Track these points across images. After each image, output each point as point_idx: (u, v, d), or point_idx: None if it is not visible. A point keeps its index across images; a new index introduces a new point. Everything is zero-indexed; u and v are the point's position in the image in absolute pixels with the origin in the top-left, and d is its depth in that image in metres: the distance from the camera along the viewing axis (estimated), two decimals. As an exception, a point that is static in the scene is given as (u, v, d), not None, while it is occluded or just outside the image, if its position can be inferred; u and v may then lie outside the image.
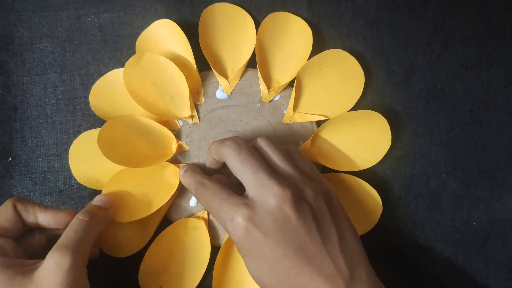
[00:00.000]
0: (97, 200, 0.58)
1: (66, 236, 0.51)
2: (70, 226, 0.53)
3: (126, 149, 0.60)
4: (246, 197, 0.51)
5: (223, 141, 0.54)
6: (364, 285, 0.49)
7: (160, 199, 0.60)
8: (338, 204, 0.53)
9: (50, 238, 0.56)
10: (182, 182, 0.59)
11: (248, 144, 0.53)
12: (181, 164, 0.63)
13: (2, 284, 0.47)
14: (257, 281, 0.51)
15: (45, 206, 0.55)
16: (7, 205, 0.53)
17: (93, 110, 0.63)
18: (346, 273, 0.48)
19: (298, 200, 0.49)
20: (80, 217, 0.54)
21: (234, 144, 0.53)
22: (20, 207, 0.54)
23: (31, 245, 0.55)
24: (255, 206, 0.49)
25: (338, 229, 0.50)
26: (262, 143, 0.55)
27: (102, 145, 0.58)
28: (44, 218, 0.54)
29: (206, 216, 0.62)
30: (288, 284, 0.48)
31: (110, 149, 0.59)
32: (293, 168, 0.53)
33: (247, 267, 0.51)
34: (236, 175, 0.53)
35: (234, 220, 0.49)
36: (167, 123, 0.62)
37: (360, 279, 0.49)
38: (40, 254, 0.53)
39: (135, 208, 0.60)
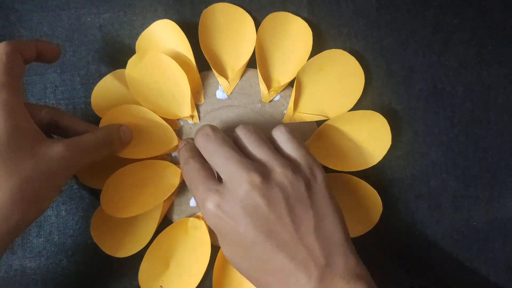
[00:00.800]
0: (122, 128, 0.59)
1: (84, 138, 0.53)
2: (92, 135, 0.55)
3: None
4: (221, 183, 0.51)
5: (200, 129, 0.55)
6: (341, 272, 0.48)
7: (159, 198, 0.60)
8: (323, 187, 0.52)
9: None
10: (179, 156, 0.60)
11: (218, 134, 0.53)
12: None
13: None
14: (233, 263, 0.52)
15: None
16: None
17: (95, 111, 0.63)
18: (321, 260, 0.48)
19: (269, 186, 0.49)
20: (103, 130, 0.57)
21: (205, 134, 0.53)
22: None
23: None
24: (225, 193, 0.49)
25: (316, 214, 0.50)
26: (238, 131, 0.55)
27: None
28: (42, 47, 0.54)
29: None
30: (260, 269, 0.49)
31: None
32: (270, 153, 0.52)
33: (223, 251, 0.52)
34: (210, 164, 0.53)
35: (205, 206, 0.50)
36: (167, 122, 0.62)
37: (337, 266, 0.48)
38: None
39: (133, 204, 0.60)
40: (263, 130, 0.62)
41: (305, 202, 0.50)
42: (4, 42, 0.50)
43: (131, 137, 0.60)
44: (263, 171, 0.50)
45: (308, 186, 0.51)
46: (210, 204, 0.49)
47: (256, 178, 0.49)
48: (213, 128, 0.54)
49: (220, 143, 0.52)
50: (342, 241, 0.50)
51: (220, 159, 0.51)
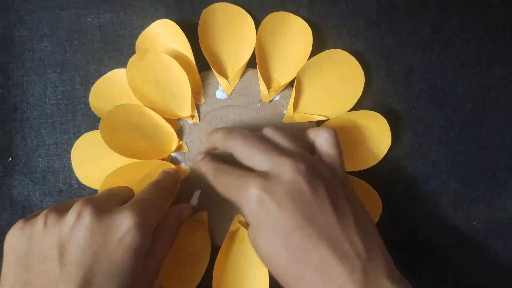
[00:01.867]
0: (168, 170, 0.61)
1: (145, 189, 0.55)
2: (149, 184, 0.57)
3: (127, 138, 0.61)
4: (259, 171, 0.50)
5: (228, 132, 0.54)
6: (383, 270, 0.47)
7: None
8: (352, 189, 0.53)
9: None
10: (197, 169, 0.59)
11: (255, 133, 0.54)
12: (182, 167, 0.63)
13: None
14: (269, 259, 0.49)
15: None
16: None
17: (93, 110, 0.63)
18: (363, 254, 0.47)
19: (312, 174, 0.49)
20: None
21: (241, 134, 0.53)
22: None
23: None
24: (269, 177, 0.48)
25: (353, 209, 0.50)
26: (269, 132, 0.54)
27: (104, 129, 0.59)
28: None
29: (206, 216, 0.62)
30: (301, 260, 0.46)
31: (111, 135, 0.59)
32: (303, 149, 0.53)
33: (258, 245, 0.49)
34: (246, 163, 0.52)
35: (248, 190, 0.48)
36: (167, 122, 0.62)
37: (378, 262, 0.47)
38: None
39: None
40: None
41: (342, 196, 0.50)
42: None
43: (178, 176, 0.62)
44: (306, 160, 0.50)
45: (342, 184, 0.51)
46: (254, 187, 0.48)
47: (301, 165, 0.49)
48: (247, 129, 0.54)
49: (259, 139, 0.52)
50: (379, 240, 0.50)
51: (261, 151, 0.51)
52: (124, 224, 0.48)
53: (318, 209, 0.47)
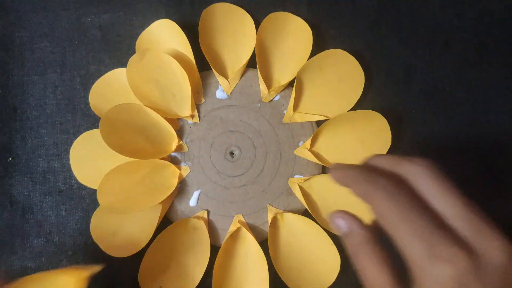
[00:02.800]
0: None
1: None
2: None
3: (127, 137, 0.61)
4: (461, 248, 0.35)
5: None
6: None
7: (157, 198, 0.60)
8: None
9: None
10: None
11: (403, 189, 0.39)
12: (182, 166, 0.63)
13: None
14: None
15: None
16: None
17: (93, 110, 0.63)
18: None
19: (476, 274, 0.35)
20: None
21: (386, 193, 0.38)
22: None
23: None
24: (476, 256, 0.35)
25: None
26: (424, 174, 0.41)
27: (104, 129, 0.59)
28: None
29: (206, 216, 0.63)
30: None
31: (111, 134, 0.59)
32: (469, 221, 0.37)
33: None
34: (434, 200, 0.38)
35: (447, 265, 0.34)
36: (167, 121, 0.62)
37: None
38: None
39: (131, 202, 0.60)
40: (263, 130, 0.62)
41: None
42: None
43: None
44: (468, 251, 0.35)
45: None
46: (460, 265, 0.34)
47: (464, 264, 0.34)
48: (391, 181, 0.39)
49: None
50: None
51: (461, 203, 0.37)
52: None
53: None
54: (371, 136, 0.63)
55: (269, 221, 0.62)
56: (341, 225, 0.42)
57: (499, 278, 0.35)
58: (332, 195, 0.62)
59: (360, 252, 0.39)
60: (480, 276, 0.34)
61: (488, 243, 0.35)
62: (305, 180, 0.63)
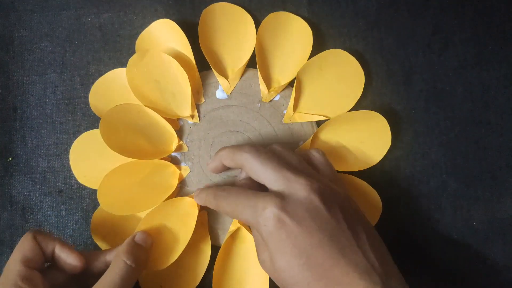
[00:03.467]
0: (140, 239, 0.57)
1: (111, 282, 0.51)
2: (116, 270, 0.52)
3: (127, 137, 0.61)
4: (273, 191, 0.50)
5: (238, 147, 0.54)
6: (398, 283, 0.47)
7: (158, 199, 0.60)
8: (358, 208, 0.53)
9: (69, 275, 0.55)
10: (199, 203, 0.58)
11: (265, 149, 0.54)
12: (183, 167, 0.63)
13: None
14: (289, 279, 0.48)
15: (62, 242, 0.54)
16: (28, 236, 0.53)
17: (93, 109, 0.63)
18: (380, 270, 0.47)
19: (325, 192, 0.49)
20: (127, 260, 0.53)
21: (252, 148, 0.53)
22: (39, 238, 0.53)
23: (52, 280, 0.54)
24: (286, 197, 0.48)
25: (364, 227, 0.50)
26: (278, 148, 0.55)
27: (104, 129, 0.59)
28: (60, 254, 0.54)
29: (206, 217, 0.62)
30: (322, 277, 0.46)
31: (111, 135, 0.59)
32: (313, 170, 0.53)
33: (278, 266, 0.48)
34: (257, 178, 0.52)
35: (266, 210, 0.48)
36: (167, 121, 0.62)
37: (394, 277, 0.48)
38: None
39: (131, 203, 0.60)
40: (263, 130, 0.62)
41: (353, 215, 0.50)
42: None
43: (151, 241, 0.58)
44: (316, 178, 0.51)
45: (350, 202, 0.52)
46: (273, 208, 0.48)
47: (315, 184, 0.49)
48: (256, 145, 0.55)
49: (271, 155, 0.52)
50: (389, 256, 0.51)
51: (274, 169, 0.51)
52: None
53: (335, 227, 0.48)
54: (371, 136, 0.63)
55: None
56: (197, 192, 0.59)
57: (303, 208, 0.48)
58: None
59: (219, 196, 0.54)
60: (289, 209, 0.48)
61: (293, 186, 0.49)
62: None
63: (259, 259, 0.52)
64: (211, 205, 0.55)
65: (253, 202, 0.49)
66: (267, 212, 0.48)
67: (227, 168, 0.59)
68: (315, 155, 0.56)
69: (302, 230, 0.47)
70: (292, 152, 0.55)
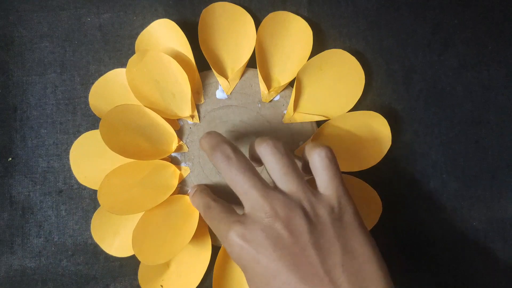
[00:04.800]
0: None
1: None
2: None
3: (127, 138, 0.60)
4: (243, 214, 0.50)
5: (212, 146, 0.52)
6: None
7: (157, 199, 0.60)
8: (352, 221, 0.50)
9: None
10: (192, 203, 0.60)
11: (240, 157, 0.51)
12: (183, 167, 0.63)
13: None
14: None
15: None
16: None
17: (93, 110, 0.63)
18: None
19: (292, 217, 0.48)
20: None
21: (224, 157, 0.51)
22: None
23: None
24: (248, 223, 0.48)
25: (344, 247, 0.48)
26: (264, 149, 0.51)
27: (104, 129, 0.59)
28: None
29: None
30: None
31: (111, 135, 0.59)
32: (298, 183, 0.50)
33: (248, 284, 0.50)
34: (230, 186, 0.51)
35: (228, 237, 0.48)
36: (167, 122, 0.62)
37: None
38: None
39: (131, 203, 0.60)
40: (263, 130, 0.62)
41: (331, 235, 0.48)
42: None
43: None
44: (287, 202, 0.49)
45: (336, 219, 0.49)
46: (234, 235, 0.48)
47: (280, 210, 0.48)
48: (233, 148, 0.52)
49: (243, 169, 0.50)
50: (378, 278, 0.48)
51: (243, 186, 0.49)
52: None
53: (298, 253, 0.46)
54: (371, 137, 0.63)
55: None
56: (191, 193, 0.60)
57: (264, 235, 0.47)
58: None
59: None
60: (249, 237, 0.47)
61: (258, 212, 0.48)
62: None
63: None
64: (201, 213, 0.56)
65: (222, 226, 0.50)
66: (230, 239, 0.48)
67: None
68: (315, 159, 0.51)
69: (260, 258, 0.47)
70: (285, 158, 0.51)
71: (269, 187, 0.50)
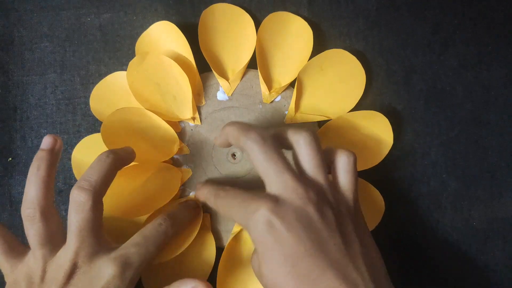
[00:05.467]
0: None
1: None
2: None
3: (128, 141, 0.60)
4: (269, 194, 0.48)
5: (245, 130, 0.50)
6: None
7: (159, 201, 0.60)
8: (363, 221, 0.52)
9: None
10: (200, 199, 0.58)
11: (273, 140, 0.50)
12: (184, 169, 0.63)
13: None
14: (272, 285, 0.47)
15: None
16: None
17: (94, 113, 0.63)
18: (371, 285, 0.46)
19: (323, 203, 0.48)
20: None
21: (260, 138, 0.49)
22: None
23: None
24: (280, 202, 0.47)
25: (361, 242, 0.49)
26: (306, 140, 0.51)
27: (105, 133, 0.59)
28: None
29: (208, 219, 0.63)
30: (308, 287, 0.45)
31: (113, 139, 0.59)
32: (325, 176, 0.50)
33: (263, 273, 0.48)
34: (257, 170, 0.50)
35: (257, 213, 0.46)
36: (168, 124, 0.62)
37: None
38: None
39: (134, 206, 0.60)
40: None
41: (351, 229, 0.49)
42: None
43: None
44: (318, 189, 0.49)
45: (352, 216, 0.50)
46: (265, 210, 0.46)
47: (312, 195, 0.48)
48: (264, 132, 0.50)
49: (278, 151, 0.49)
50: (386, 274, 0.50)
51: (276, 171, 0.48)
52: (107, 274, 0.50)
53: (327, 237, 0.46)
54: (373, 136, 0.63)
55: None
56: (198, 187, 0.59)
57: (296, 216, 0.46)
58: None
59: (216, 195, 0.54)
60: (281, 215, 0.46)
61: (291, 193, 0.47)
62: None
63: (251, 263, 0.52)
64: (210, 203, 0.55)
65: (247, 203, 0.48)
66: (258, 215, 0.47)
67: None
68: (344, 160, 0.52)
69: (290, 237, 0.46)
70: (319, 152, 0.51)
71: (301, 173, 0.50)
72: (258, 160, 0.49)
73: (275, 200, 0.47)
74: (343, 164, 0.52)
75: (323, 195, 0.49)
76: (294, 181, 0.48)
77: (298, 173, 0.49)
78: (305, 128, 0.51)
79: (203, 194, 0.57)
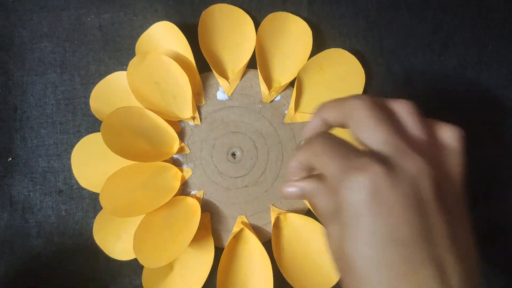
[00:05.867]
0: None
1: None
2: None
3: (128, 140, 0.61)
4: (379, 152, 0.39)
5: (350, 99, 0.42)
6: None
7: (159, 201, 0.60)
8: (464, 208, 0.44)
9: None
10: (299, 161, 0.45)
11: (376, 105, 0.41)
12: (184, 168, 0.63)
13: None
14: (356, 269, 0.37)
15: None
16: None
17: (94, 113, 0.63)
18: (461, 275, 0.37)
19: (438, 182, 0.38)
20: None
21: (369, 98, 0.41)
22: None
23: None
24: (390, 166, 0.37)
25: (465, 240, 0.42)
26: (405, 108, 0.44)
27: (106, 132, 0.59)
28: None
29: (209, 218, 0.63)
30: (404, 280, 0.36)
31: (113, 138, 0.59)
32: (436, 149, 0.43)
33: (346, 249, 0.38)
34: (361, 135, 0.41)
35: (363, 173, 0.37)
36: (168, 124, 0.62)
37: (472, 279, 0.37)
38: None
39: (133, 205, 0.60)
40: (264, 131, 0.62)
41: (460, 218, 0.42)
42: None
43: None
44: (434, 163, 0.39)
45: (460, 201, 0.43)
46: (372, 173, 0.36)
47: (430, 168, 0.38)
48: (370, 97, 0.42)
49: (388, 116, 0.41)
50: (477, 261, 0.41)
51: (389, 131, 0.39)
52: None
53: (435, 224, 0.37)
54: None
55: (272, 221, 0.62)
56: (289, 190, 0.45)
57: (409, 188, 0.37)
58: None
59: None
60: (394, 183, 0.37)
61: (406, 158, 0.38)
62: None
63: (325, 231, 0.41)
64: (312, 153, 0.43)
65: (351, 157, 0.39)
66: (363, 177, 0.37)
67: (328, 127, 0.47)
68: (453, 137, 0.45)
69: (391, 216, 0.36)
70: (423, 122, 0.44)
71: (415, 144, 0.41)
72: (366, 120, 0.40)
73: (386, 163, 0.38)
74: (456, 141, 0.44)
75: (438, 172, 0.39)
76: (408, 146, 0.39)
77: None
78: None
79: (309, 137, 0.47)
